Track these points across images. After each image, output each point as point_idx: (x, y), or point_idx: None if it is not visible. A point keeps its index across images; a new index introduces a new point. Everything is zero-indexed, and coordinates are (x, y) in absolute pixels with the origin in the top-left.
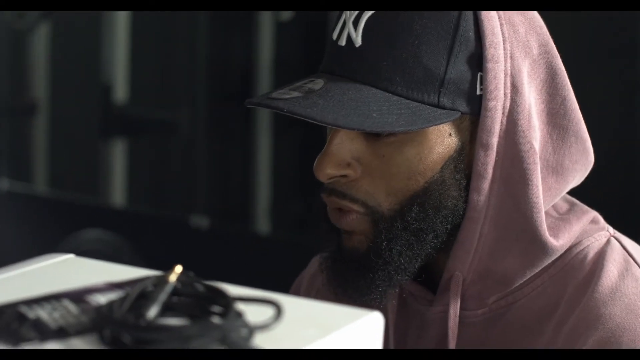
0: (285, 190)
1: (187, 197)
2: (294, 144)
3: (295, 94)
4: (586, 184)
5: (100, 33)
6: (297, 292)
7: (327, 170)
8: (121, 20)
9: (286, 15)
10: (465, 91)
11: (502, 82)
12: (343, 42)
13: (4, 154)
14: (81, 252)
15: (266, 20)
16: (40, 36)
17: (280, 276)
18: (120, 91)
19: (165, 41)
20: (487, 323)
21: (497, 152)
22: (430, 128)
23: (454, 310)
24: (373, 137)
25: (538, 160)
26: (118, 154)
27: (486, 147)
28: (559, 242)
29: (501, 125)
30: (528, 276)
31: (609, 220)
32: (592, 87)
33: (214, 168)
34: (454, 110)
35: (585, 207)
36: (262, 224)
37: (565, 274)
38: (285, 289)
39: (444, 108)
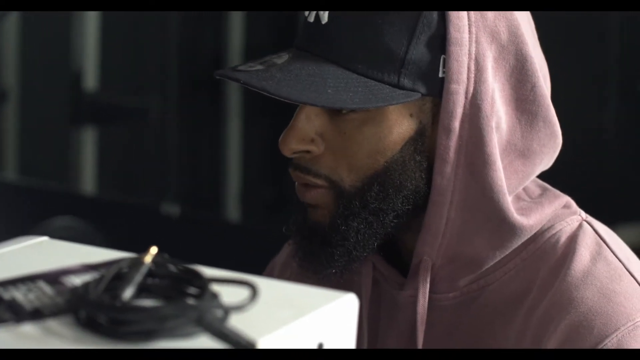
0: (255, 178)
1: (158, 184)
2: (264, 131)
3: (258, 67)
4: (559, 169)
5: (71, 20)
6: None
7: (291, 145)
8: None
9: None
10: (426, 73)
11: (466, 65)
12: (312, 18)
13: None
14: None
15: None
16: (10, 23)
17: (251, 263)
18: (91, 78)
19: (136, 28)
20: (459, 306)
21: (460, 137)
22: (390, 108)
23: (423, 296)
24: (336, 114)
25: (499, 145)
26: (88, 141)
27: (448, 130)
28: (528, 222)
29: (464, 109)
30: (499, 257)
31: (581, 205)
32: (566, 76)
33: (185, 155)
34: (414, 91)
35: (558, 192)
36: (233, 211)
37: (538, 257)
38: (256, 275)
39: (403, 88)
